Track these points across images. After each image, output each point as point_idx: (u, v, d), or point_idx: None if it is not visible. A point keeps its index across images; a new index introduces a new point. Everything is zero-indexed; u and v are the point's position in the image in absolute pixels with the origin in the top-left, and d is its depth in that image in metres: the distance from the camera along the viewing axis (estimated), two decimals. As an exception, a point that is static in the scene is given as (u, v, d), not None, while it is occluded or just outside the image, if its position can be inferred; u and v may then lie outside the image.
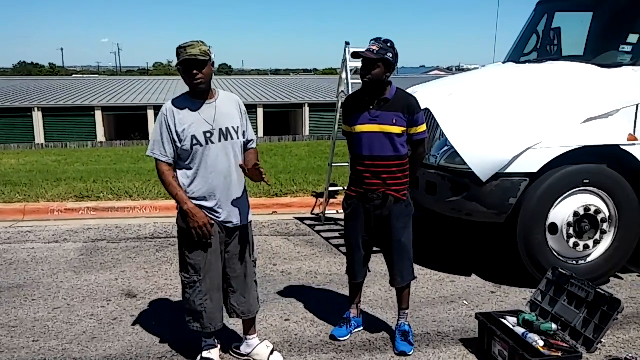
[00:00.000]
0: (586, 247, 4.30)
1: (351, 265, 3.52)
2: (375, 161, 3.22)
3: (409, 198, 3.35)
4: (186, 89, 3.00)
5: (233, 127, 2.98)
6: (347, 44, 5.47)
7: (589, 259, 4.39)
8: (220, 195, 2.96)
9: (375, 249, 3.53)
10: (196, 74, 2.82)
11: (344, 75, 5.68)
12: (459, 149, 4.30)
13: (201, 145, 2.88)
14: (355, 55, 3.19)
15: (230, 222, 3.03)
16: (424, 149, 3.41)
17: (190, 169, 2.93)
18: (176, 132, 2.87)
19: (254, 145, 3.18)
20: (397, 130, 3.18)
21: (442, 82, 5.80)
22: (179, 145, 2.88)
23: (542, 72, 4.93)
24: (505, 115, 4.34)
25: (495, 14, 7.55)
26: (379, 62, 3.10)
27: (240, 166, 2.98)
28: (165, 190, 3.03)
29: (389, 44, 3.13)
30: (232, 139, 2.97)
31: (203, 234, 2.93)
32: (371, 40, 3.15)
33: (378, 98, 3.21)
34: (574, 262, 4.35)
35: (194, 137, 2.87)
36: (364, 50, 3.12)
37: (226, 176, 2.97)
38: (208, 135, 2.90)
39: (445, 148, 4.49)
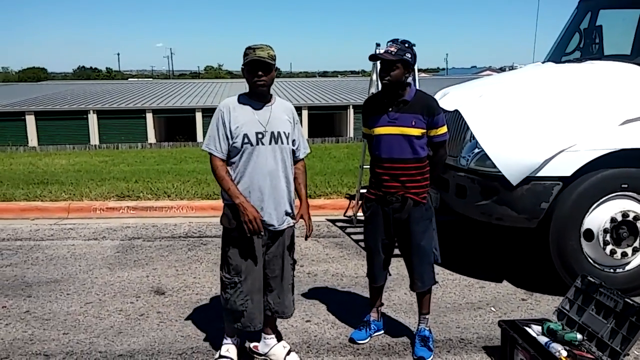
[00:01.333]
0: (624, 254, 4.10)
1: (371, 268, 3.50)
2: (394, 164, 3.19)
3: (429, 201, 3.30)
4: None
5: (284, 132, 3.02)
6: (378, 45, 5.40)
7: (627, 267, 4.18)
8: (264, 196, 2.98)
9: (397, 251, 3.49)
10: (261, 75, 2.89)
11: (374, 77, 5.65)
12: (489, 151, 4.19)
13: (251, 145, 2.93)
14: (373, 57, 3.16)
15: (273, 225, 3.03)
16: (444, 151, 3.33)
17: (238, 166, 2.98)
18: (230, 128, 2.93)
19: (300, 156, 3.18)
20: (416, 132, 3.13)
21: (475, 83, 5.67)
22: (230, 141, 2.94)
23: (581, 71, 4.75)
24: (537, 116, 4.20)
25: (537, 12, 7.29)
26: (397, 63, 3.06)
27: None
28: (219, 185, 3.03)
29: (406, 45, 3.09)
30: (282, 143, 3.00)
31: (254, 229, 2.91)
32: (388, 42, 3.12)
33: (397, 100, 3.17)
34: (611, 270, 4.16)
35: (245, 135, 2.92)
36: (382, 51, 3.09)
37: (272, 178, 2.99)
38: (260, 136, 2.95)
39: (476, 150, 4.38)
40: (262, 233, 2.97)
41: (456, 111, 4.63)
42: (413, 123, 3.12)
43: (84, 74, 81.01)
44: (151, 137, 26.41)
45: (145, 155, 12.78)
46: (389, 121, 3.17)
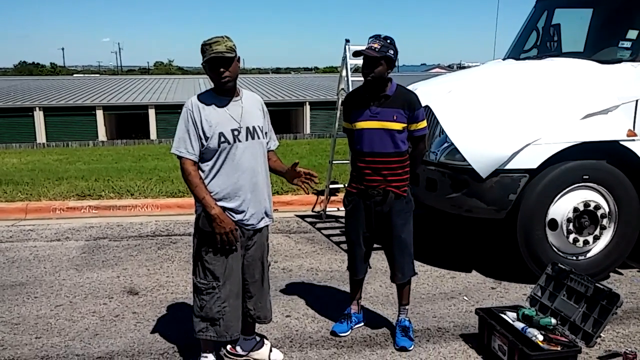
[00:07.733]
0: (586, 242, 4.31)
1: (352, 261, 3.54)
2: (376, 157, 3.24)
3: (409, 194, 3.37)
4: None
5: (259, 126, 2.91)
6: (347, 41, 5.49)
7: (588, 255, 4.40)
8: (244, 195, 2.87)
9: (376, 245, 3.55)
10: (223, 71, 2.73)
11: (344, 73, 5.69)
12: (458, 145, 4.31)
13: (229, 143, 2.79)
14: (357, 53, 3.19)
15: (252, 225, 2.94)
16: (424, 145, 3.42)
17: (214, 167, 2.83)
18: (202, 128, 2.77)
19: (271, 147, 3.09)
20: (397, 126, 3.19)
21: (442, 79, 5.81)
22: (204, 142, 2.78)
23: (542, 68, 4.94)
24: (504, 111, 4.35)
25: (497, 12, 7.56)
26: (381, 59, 3.11)
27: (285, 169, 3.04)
28: (191, 192, 2.89)
29: (389, 41, 3.14)
30: (258, 137, 2.90)
31: (229, 241, 2.82)
32: (370, 38, 3.16)
33: (379, 95, 3.22)
34: (574, 258, 4.37)
35: (221, 134, 2.78)
36: (365, 48, 3.13)
37: (252, 176, 2.88)
38: (235, 133, 2.81)
39: (445, 145, 4.50)
40: (238, 241, 2.86)
41: (426, 106, 4.72)
42: (394, 117, 3.18)
43: (26, 69, 77.31)
44: (102, 135, 25.61)
45: (101, 153, 12.40)
46: (370, 115, 3.21)
